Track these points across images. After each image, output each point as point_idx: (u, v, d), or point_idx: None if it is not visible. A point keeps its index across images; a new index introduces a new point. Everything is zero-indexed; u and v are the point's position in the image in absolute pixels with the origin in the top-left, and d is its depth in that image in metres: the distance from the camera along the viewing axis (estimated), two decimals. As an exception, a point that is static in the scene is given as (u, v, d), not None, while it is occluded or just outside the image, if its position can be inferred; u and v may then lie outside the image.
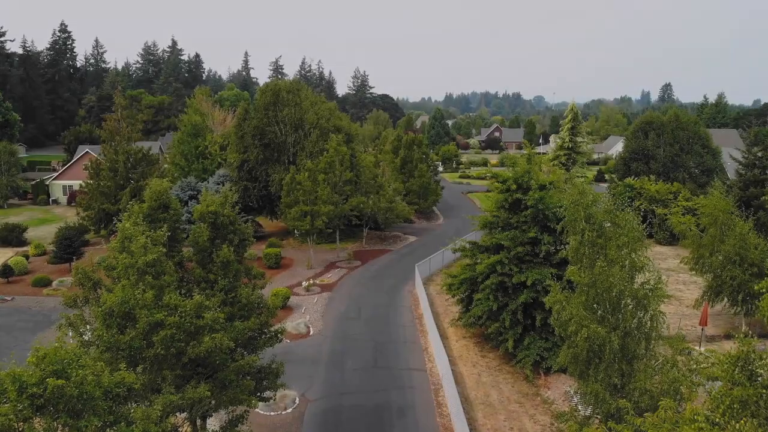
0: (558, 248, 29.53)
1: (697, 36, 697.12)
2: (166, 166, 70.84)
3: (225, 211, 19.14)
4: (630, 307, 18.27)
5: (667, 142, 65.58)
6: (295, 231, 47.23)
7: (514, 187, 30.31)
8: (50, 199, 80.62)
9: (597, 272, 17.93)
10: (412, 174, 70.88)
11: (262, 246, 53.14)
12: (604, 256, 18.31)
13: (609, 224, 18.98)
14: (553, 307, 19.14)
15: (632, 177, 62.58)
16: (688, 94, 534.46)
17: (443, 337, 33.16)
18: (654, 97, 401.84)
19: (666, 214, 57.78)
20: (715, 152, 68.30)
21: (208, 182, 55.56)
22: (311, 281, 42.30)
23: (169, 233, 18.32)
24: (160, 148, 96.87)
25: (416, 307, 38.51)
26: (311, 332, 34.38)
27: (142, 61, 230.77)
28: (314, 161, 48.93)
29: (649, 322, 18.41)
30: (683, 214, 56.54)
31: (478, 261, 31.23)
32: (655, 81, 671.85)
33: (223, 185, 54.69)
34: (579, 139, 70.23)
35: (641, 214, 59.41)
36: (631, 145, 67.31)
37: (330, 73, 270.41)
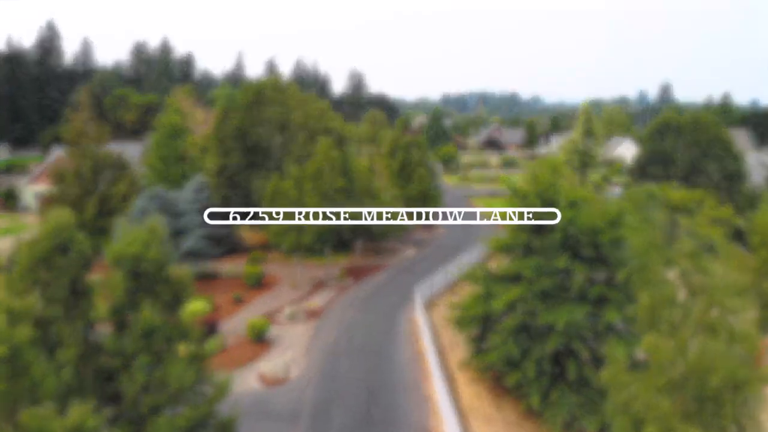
0: (593, 279, 24.15)
1: (692, 36, 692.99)
2: (145, 169, 65.33)
3: (151, 253, 13.60)
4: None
5: (687, 145, 60.29)
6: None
7: (537, 203, 24.91)
8: (20, 206, 74.87)
9: (681, 345, 12.53)
10: (410, 179, 65.40)
11: (242, 261, 47.62)
12: (691, 319, 12.95)
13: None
14: (613, 389, 13.75)
15: (651, 182, 57.24)
16: (685, 93, 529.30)
17: (450, 380, 27.77)
18: (651, 96, 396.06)
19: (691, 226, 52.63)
20: (738, 156, 63.08)
21: (183, 192, 49.93)
22: (295, 307, 36.79)
23: (70, 288, 12.86)
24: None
25: (417, 340, 33.03)
26: (292, 375, 28.84)
27: (132, 60, 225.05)
28: (302, 167, 43.54)
29: (747, 412, 13.08)
30: (711, 227, 51.47)
31: (493, 294, 25.81)
32: (652, 80, 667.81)
33: (201, 193, 49.28)
34: (592, 142, 64.87)
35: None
36: (647, 147, 62.03)
37: (326, 72, 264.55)
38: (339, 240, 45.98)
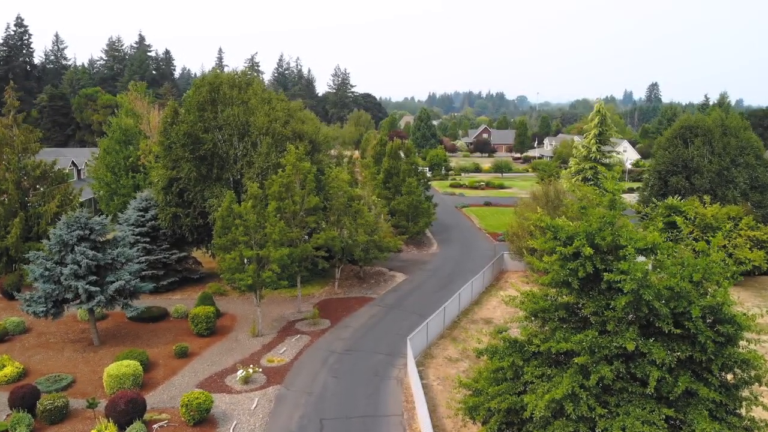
0: (676, 369, 16.21)
1: (677, 37, 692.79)
2: (93, 182, 56.84)
3: None
4: None
5: (715, 152, 52.74)
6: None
7: (588, 251, 16.92)
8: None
9: None
10: (398, 190, 57.48)
11: (196, 294, 39.38)
12: None
13: None
14: None
15: (676, 196, 49.70)
16: (670, 94, 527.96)
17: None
18: (637, 96, 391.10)
19: (726, 246, 45.10)
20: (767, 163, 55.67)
21: (125, 212, 41.43)
22: (253, 367, 28.53)
23: None
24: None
25: (411, 416, 24.94)
26: (237, 484, 20.64)
27: (106, 58, 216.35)
28: (267, 181, 35.34)
29: None
30: (750, 248, 44.03)
31: (524, 375, 17.84)
32: (637, 80, 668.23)
33: (147, 212, 40.95)
34: (607, 149, 56.69)
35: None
36: (667, 154, 54.34)
37: (309, 71, 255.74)
38: (314, 266, 37.78)
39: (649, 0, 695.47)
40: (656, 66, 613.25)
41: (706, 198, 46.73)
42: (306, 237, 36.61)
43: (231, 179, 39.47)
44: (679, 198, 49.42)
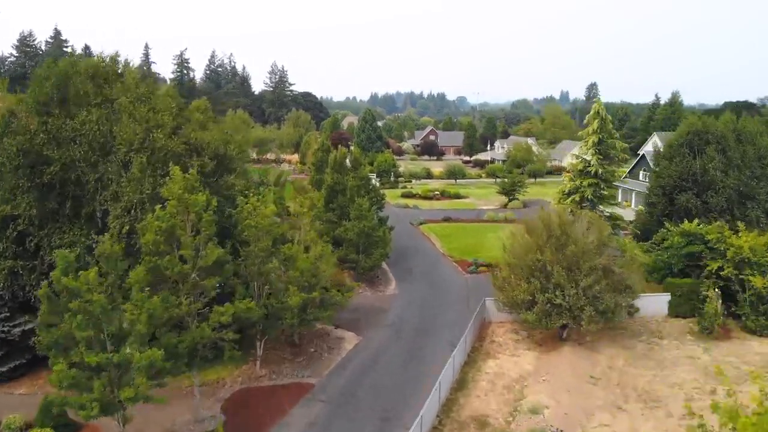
0: None
1: (613, 34, 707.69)
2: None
3: None
4: None
5: (731, 164, 43.00)
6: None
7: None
8: None
9: None
10: (345, 212, 45.29)
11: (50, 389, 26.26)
12: None
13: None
14: None
15: (695, 221, 39.54)
16: (612, 93, 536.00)
17: None
18: (573, 96, 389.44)
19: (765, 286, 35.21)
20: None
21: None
22: None
23: None
24: None
25: None
26: None
27: (17, 54, 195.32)
28: (139, 226, 22.59)
29: None
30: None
31: None
32: (573, 81, 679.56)
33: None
34: (606, 162, 45.33)
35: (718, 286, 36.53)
36: (672, 166, 44.17)
37: (244, 68, 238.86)
38: (218, 352, 25.10)
39: (587, 2, 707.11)
40: (592, 66, 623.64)
41: (740, 225, 36.51)
42: (203, 310, 23.88)
43: (97, 216, 26.37)
44: (698, 223, 39.30)
